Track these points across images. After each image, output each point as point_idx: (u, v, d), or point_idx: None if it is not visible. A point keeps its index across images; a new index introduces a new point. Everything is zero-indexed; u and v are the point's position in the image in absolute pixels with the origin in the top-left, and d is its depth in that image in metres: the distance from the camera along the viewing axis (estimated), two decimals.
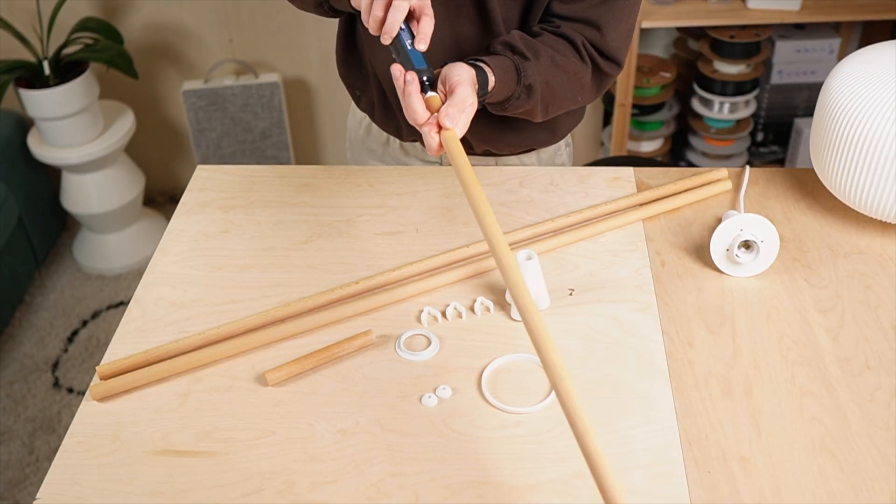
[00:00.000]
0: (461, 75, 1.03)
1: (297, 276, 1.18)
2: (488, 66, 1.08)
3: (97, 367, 1.05)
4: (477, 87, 1.05)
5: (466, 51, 1.19)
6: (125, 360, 1.06)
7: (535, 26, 1.19)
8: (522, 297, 0.86)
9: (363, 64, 1.33)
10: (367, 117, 1.40)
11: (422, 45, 1.01)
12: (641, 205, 1.29)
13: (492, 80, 1.08)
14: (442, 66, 1.07)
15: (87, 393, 1.03)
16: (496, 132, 1.29)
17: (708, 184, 1.32)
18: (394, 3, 0.99)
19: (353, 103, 1.44)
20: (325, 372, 1.04)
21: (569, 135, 1.43)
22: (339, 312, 1.11)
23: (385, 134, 1.39)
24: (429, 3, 1.02)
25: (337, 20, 1.32)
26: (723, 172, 1.33)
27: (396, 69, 1.01)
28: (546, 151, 1.41)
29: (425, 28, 1.01)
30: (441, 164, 1.39)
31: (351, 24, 1.31)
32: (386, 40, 1.02)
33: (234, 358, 1.07)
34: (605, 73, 1.20)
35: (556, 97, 1.16)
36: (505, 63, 1.10)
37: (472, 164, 1.37)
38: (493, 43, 1.14)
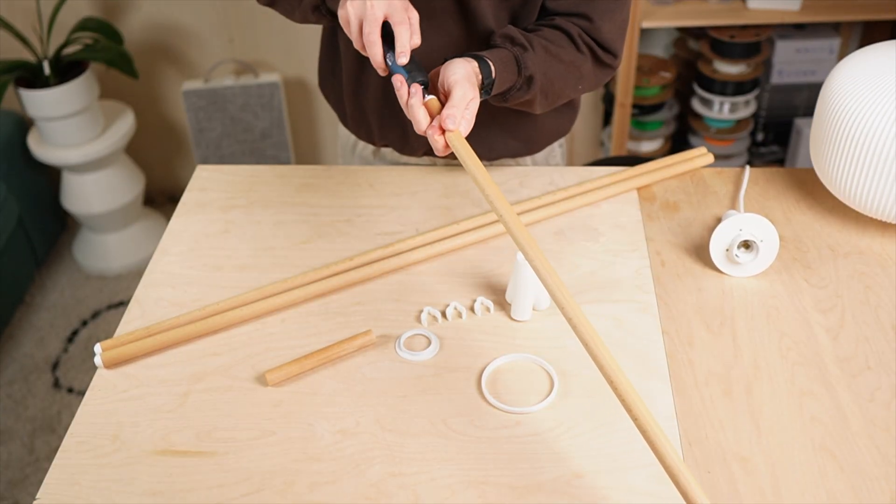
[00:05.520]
0: (456, 73, 1.03)
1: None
2: (489, 58, 1.08)
3: (100, 343, 1.08)
4: (481, 78, 1.06)
5: (452, 54, 1.19)
6: (129, 334, 1.10)
7: (530, 24, 1.19)
8: (558, 288, 0.89)
9: (337, 72, 1.34)
10: None
11: (402, 58, 1.02)
12: (630, 178, 1.33)
13: (494, 71, 1.08)
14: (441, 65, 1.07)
15: (89, 387, 1.03)
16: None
17: (692, 158, 1.37)
18: (365, 40, 1.02)
19: None
20: (325, 372, 1.04)
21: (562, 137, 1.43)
22: (338, 281, 1.15)
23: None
24: (400, 7, 1.02)
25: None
26: (702, 150, 1.38)
27: (397, 80, 1.02)
28: (540, 152, 1.41)
29: (401, 39, 1.01)
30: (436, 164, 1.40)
31: (333, 33, 1.32)
32: (381, 73, 1.04)
33: (234, 358, 1.07)
34: (604, 63, 1.20)
35: (554, 87, 1.16)
36: (504, 55, 1.10)
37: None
38: (493, 36, 1.14)
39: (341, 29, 1.26)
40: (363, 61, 1.26)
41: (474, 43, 1.18)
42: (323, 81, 1.39)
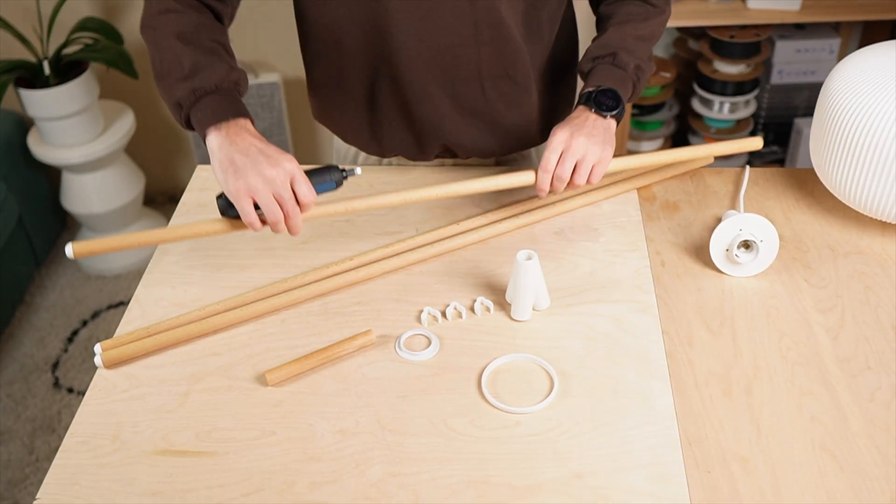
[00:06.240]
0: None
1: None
2: (598, 82, 1.18)
3: (100, 343, 1.08)
4: (591, 108, 1.16)
5: (462, 35, 1.20)
6: (129, 335, 1.09)
7: (602, 6, 1.28)
8: None
9: (348, 94, 1.32)
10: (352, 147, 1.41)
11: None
12: (630, 178, 1.33)
13: (606, 83, 1.18)
14: None
15: (89, 387, 1.03)
16: (480, 140, 1.31)
17: (693, 160, 1.37)
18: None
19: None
20: (325, 372, 1.04)
21: None
22: (335, 282, 1.15)
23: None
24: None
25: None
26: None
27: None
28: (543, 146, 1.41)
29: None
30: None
31: (341, 65, 1.32)
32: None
33: (234, 358, 1.07)
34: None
35: (651, 45, 1.26)
36: (606, 71, 1.20)
37: (473, 164, 1.38)
38: (580, 63, 1.24)
39: (347, 57, 1.26)
40: (375, 79, 1.26)
41: (483, 20, 1.18)
42: (323, 114, 1.38)
